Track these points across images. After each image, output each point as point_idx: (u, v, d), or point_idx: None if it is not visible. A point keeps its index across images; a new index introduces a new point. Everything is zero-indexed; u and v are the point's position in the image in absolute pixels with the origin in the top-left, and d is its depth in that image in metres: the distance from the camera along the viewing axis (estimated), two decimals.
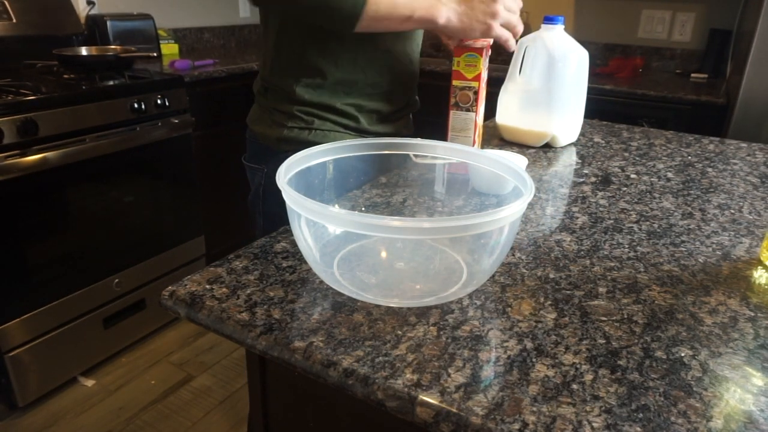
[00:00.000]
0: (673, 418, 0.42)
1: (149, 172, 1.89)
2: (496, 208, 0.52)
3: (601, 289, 0.60)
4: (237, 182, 1.81)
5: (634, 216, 0.80)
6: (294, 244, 0.68)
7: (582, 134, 1.25)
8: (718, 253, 0.69)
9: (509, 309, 0.56)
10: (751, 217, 0.81)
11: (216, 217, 2.26)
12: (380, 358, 0.48)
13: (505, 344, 0.50)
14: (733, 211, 0.83)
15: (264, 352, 0.51)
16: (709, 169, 1.03)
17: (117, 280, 1.85)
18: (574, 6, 2.66)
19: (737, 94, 1.81)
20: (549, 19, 1.08)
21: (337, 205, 0.77)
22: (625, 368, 0.47)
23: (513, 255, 0.67)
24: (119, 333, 1.91)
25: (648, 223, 0.78)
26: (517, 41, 0.90)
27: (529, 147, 1.13)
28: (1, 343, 1.56)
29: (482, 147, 1.08)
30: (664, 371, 0.47)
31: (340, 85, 0.96)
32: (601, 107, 2.04)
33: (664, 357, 0.49)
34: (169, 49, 2.52)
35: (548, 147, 1.14)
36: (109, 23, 2.25)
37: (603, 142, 1.20)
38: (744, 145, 1.21)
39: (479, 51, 0.88)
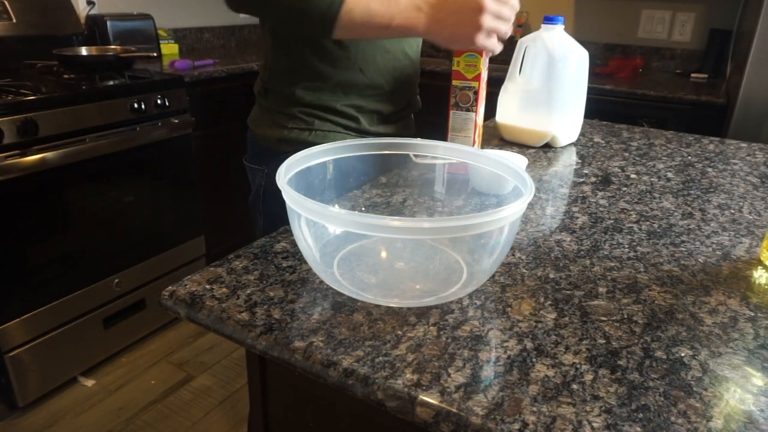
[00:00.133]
0: (673, 418, 0.42)
1: (149, 172, 1.89)
2: (496, 208, 0.52)
3: (601, 289, 0.60)
4: (237, 182, 1.81)
5: (634, 216, 0.80)
6: (294, 244, 0.68)
7: (582, 134, 1.25)
8: (718, 253, 0.69)
9: (509, 309, 0.56)
10: (751, 217, 0.81)
11: (216, 217, 2.26)
12: (380, 358, 0.48)
13: (505, 344, 0.50)
14: (733, 211, 0.83)
15: (264, 352, 0.51)
16: (709, 169, 1.03)
17: (117, 280, 1.85)
18: (574, 6, 2.66)
19: (737, 94, 1.81)
20: (549, 19, 1.08)
21: (337, 205, 0.77)
22: (625, 368, 0.47)
23: (513, 255, 0.67)
24: (119, 333, 1.91)
25: (648, 223, 0.78)
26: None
27: (529, 147, 1.13)
28: (1, 343, 1.56)
29: (482, 147, 1.08)
30: (664, 371, 0.47)
31: (339, 86, 0.96)
32: (601, 107, 2.04)
33: (664, 357, 0.49)
34: (169, 49, 2.52)
35: (548, 147, 1.14)
36: (109, 23, 2.25)
37: (603, 142, 1.20)
38: (744, 145, 1.21)
39: (479, 51, 0.88)
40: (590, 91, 1.21)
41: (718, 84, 2.23)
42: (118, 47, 2.17)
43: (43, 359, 1.68)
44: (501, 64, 1.52)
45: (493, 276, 0.62)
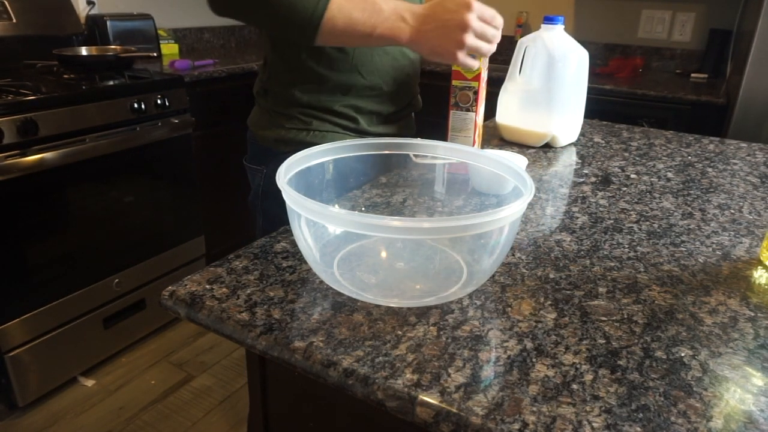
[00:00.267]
0: (673, 418, 0.42)
1: (149, 172, 1.89)
2: (496, 208, 0.52)
3: (601, 289, 0.60)
4: (237, 182, 1.81)
5: (634, 216, 0.80)
6: (294, 244, 0.68)
7: (582, 134, 1.25)
8: (718, 253, 0.69)
9: (509, 309, 0.56)
10: (751, 217, 0.81)
11: (216, 217, 2.26)
12: (380, 358, 0.48)
13: (505, 344, 0.50)
14: (733, 211, 0.83)
15: (264, 352, 0.51)
16: (709, 169, 1.03)
17: (117, 280, 1.85)
18: (574, 6, 2.66)
19: (737, 94, 1.81)
20: (549, 19, 1.08)
21: (337, 205, 0.77)
22: (625, 368, 0.47)
23: (513, 255, 0.67)
24: (119, 333, 1.91)
25: (648, 223, 0.78)
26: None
27: (529, 147, 1.13)
28: (1, 343, 1.56)
29: (482, 147, 1.08)
30: (664, 371, 0.47)
31: (337, 87, 0.96)
32: (601, 107, 2.04)
33: (664, 357, 0.49)
34: (169, 49, 2.52)
35: (548, 147, 1.14)
36: (109, 23, 2.25)
37: (603, 142, 1.20)
38: (744, 145, 1.21)
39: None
40: (590, 91, 1.21)
41: (718, 84, 2.23)
42: (118, 47, 2.17)
43: (43, 359, 1.68)
44: (501, 64, 1.52)
45: (493, 276, 0.62)
